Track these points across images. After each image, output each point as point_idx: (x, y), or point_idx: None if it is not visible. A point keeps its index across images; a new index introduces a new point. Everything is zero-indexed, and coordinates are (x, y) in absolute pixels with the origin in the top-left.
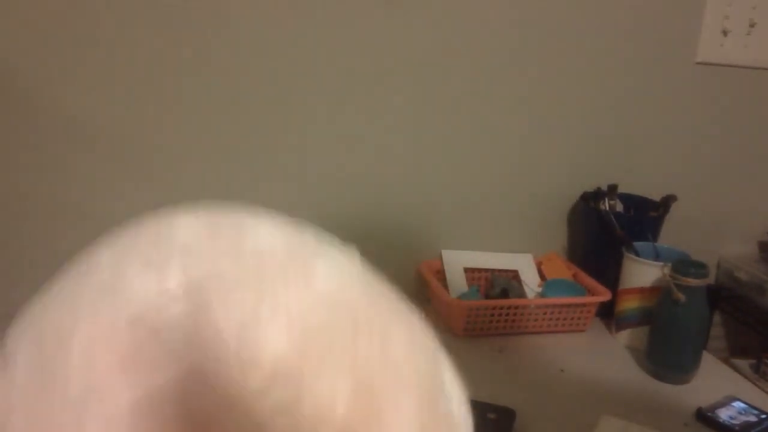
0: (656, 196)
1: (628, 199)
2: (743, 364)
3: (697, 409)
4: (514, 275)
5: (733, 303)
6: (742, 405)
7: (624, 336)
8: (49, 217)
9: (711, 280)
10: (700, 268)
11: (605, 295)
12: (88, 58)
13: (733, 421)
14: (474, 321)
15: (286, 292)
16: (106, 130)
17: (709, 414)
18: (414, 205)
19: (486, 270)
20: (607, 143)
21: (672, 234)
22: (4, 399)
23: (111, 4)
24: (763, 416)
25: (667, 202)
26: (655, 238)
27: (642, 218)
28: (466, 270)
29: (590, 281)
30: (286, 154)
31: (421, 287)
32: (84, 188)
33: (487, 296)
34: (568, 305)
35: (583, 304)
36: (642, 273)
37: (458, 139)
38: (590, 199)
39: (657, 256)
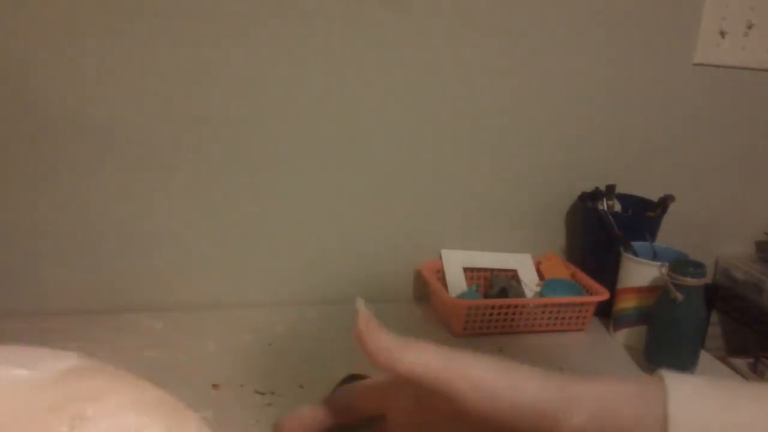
0: (654, 196)
1: (626, 200)
2: (741, 363)
3: None
4: (513, 275)
5: (730, 302)
6: None
7: (622, 335)
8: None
9: (709, 279)
10: (697, 267)
11: (603, 295)
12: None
13: None
14: (473, 320)
15: None
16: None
17: None
18: (414, 205)
19: (485, 270)
20: (605, 144)
21: (670, 234)
22: None
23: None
24: None
25: (665, 202)
26: (653, 238)
27: (640, 218)
28: (465, 270)
29: (588, 281)
30: (287, 155)
31: (420, 287)
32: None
33: (486, 296)
34: (567, 305)
35: (582, 304)
36: (640, 273)
37: (457, 139)
38: (588, 199)
39: (655, 256)
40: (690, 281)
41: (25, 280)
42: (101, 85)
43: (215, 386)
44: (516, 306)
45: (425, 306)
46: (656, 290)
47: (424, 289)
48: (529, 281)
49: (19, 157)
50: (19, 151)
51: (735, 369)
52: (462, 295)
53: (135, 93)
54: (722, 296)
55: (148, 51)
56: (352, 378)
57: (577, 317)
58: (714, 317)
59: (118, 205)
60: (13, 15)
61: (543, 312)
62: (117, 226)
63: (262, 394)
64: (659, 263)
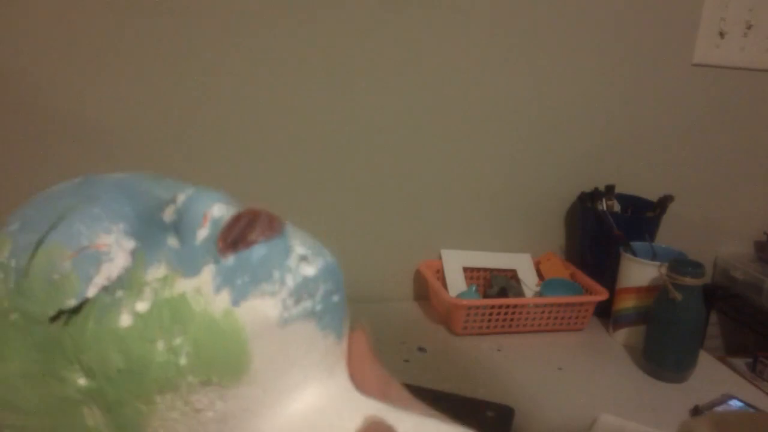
0: (653, 196)
1: (626, 200)
2: (739, 362)
3: (693, 408)
4: (513, 275)
5: (729, 302)
6: (738, 403)
7: (621, 335)
8: None
9: (708, 279)
10: (696, 267)
11: (603, 295)
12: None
13: None
14: (473, 320)
15: None
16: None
17: (705, 412)
18: (414, 205)
19: (485, 269)
20: (604, 144)
21: (669, 234)
22: None
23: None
24: None
25: (664, 202)
26: (652, 237)
27: (639, 218)
28: (465, 269)
29: (588, 281)
30: (288, 155)
31: (420, 286)
32: None
33: (486, 295)
34: (566, 304)
35: (581, 303)
36: (639, 272)
37: (457, 139)
38: (588, 199)
39: (654, 256)
40: (689, 281)
41: None
42: (98, 87)
43: None
44: (515, 306)
45: (425, 306)
46: (655, 290)
47: (424, 289)
48: (529, 281)
49: (18, 158)
50: (18, 152)
51: (734, 368)
52: (462, 295)
53: (133, 95)
54: (721, 296)
55: (150, 52)
56: None
57: (577, 317)
58: (713, 317)
59: None
60: (12, 20)
61: (542, 312)
62: None
63: None
64: (658, 263)
